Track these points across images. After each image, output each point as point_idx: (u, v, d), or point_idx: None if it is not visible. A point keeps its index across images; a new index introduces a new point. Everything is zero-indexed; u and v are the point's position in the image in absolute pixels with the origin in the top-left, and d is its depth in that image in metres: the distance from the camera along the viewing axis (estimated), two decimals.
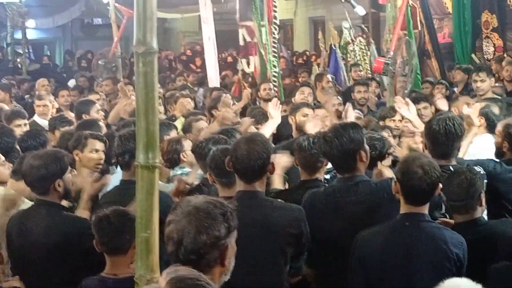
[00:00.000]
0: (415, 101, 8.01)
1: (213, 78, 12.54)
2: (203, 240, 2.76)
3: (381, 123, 7.64)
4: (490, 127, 6.07)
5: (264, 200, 4.43)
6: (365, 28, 15.06)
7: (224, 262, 2.85)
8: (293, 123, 7.44)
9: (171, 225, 2.82)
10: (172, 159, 5.97)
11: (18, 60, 18.41)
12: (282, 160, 5.38)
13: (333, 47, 14.89)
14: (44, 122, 8.88)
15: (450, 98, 9.74)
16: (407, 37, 9.18)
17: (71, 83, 15.31)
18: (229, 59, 18.92)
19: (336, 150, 4.63)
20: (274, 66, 12.06)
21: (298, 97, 9.28)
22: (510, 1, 14.42)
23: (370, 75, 12.93)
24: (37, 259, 4.56)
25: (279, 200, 4.62)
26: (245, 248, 3.87)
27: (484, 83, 8.29)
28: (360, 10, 13.54)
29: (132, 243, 3.97)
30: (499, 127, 5.51)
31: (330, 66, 14.70)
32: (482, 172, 5.01)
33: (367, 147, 4.78)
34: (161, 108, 9.04)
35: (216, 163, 4.72)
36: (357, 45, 14.56)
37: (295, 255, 4.40)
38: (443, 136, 5.13)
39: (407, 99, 6.90)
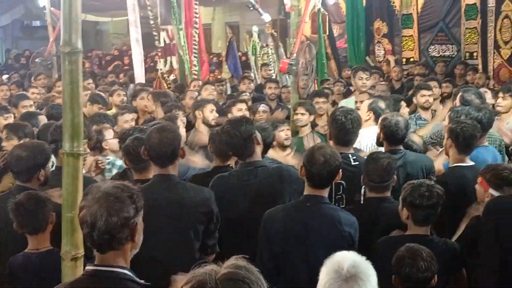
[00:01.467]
0: (316, 95, 8.15)
1: (140, 76, 12.49)
2: (115, 221, 2.75)
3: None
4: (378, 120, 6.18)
5: (177, 183, 4.43)
6: (274, 33, 15.12)
7: (134, 238, 2.85)
8: (200, 118, 7.39)
9: (84, 210, 2.80)
10: (95, 147, 5.85)
11: None
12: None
13: (232, 42, 14.98)
14: None
15: (346, 95, 9.88)
16: (308, 41, 9.24)
17: (4, 78, 15.37)
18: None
19: (236, 139, 4.66)
20: (195, 65, 12.08)
21: (203, 94, 9.23)
22: (397, 12, 14.66)
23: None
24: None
25: (191, 183, 4.64)
26: (161, 225, 4.08)
27: (368, 81, 8.47)
28: (266, 17, 13.58)
29: (48, 220, 4.06)
30: (379, 120, 5.62)
31: (229, 58, 14.82)
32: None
33: (258, 134, 4.85)
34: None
35: (128, 150, 4.81)
36: (270, 48, 14.61)
37: (206, 232, 4.36)
38: (349, 125, 5.19)
39: None
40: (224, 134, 4.85)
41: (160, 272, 3.75)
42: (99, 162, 5.60)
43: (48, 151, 4.75)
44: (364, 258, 2.93)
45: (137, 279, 2.83)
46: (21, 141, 5.62)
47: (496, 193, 4.56)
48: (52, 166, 4.83)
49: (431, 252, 3.79)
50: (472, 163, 5.24)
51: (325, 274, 2.84)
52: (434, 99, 8.21)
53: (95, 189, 2.88)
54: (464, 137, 5.16)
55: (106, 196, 2.78)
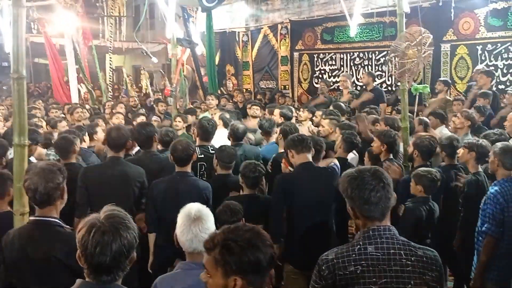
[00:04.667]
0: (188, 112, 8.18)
1: (75, 98, 12.08)
2: (50, 186, 2.73)
3: None
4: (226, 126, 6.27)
5: (123, 162, 4.47)
6: (162, 72, 14.99)
7: (63, 196, 2.83)
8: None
9: (28, 181, 2.77)
10: (47, 144, 5.62)
11: None
12: None
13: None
14: None
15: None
16: (182, 77, 9.27)
17: None
18: None
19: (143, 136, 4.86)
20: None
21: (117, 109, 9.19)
22: (240, 60, 14.90)
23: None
24: None
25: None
26: (115, 188, 4.08)
27: (213, 101, 8.72)
28: (155, 59, 13.49)
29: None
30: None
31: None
32: None
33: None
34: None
35: (58, 145, 4.83)
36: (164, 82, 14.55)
37: (140, 196, 4.40)
38: (210, 128, 5.34)
39: None
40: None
41: None
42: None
43: (6, 145, 4.61)
44: (205, 206, 2.91)
45: (64, 225, 2.79)
46: None
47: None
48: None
49: None
50: None
51: (180, 218, 2.81)
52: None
53: (33, 166, 2.87)
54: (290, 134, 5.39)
55: (43, 170, 2.76)
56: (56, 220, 2.78)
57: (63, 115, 8.59)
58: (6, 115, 8.87)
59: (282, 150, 5.33)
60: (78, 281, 2.11)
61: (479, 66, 9.02)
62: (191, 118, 7.69)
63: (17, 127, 3.30)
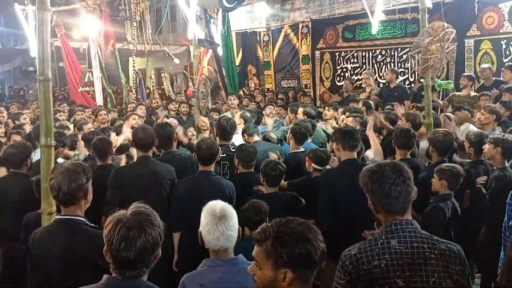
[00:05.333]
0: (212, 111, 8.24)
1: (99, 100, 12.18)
2: (73, 187, 2.77)
3: None
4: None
5: (152, 161, 4.52)
6: (186, 73, 15.09)
7: (86, 197, 2.87)
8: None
9: (53, 180, 2.81)
10: (72, 146, 5.72)
11: None
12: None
13: (141, 80, 14.88)
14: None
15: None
16: (205, 78, 9.30)
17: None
18: None
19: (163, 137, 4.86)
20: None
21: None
22: (261, 60, 14.86)
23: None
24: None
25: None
26: (146, 187, 4.08)
27: (235, 101, 8.80)
28: (177, 61, 13.57)
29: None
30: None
31: (141, 90, 14.69)
32: None
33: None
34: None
35: (96, 147, 4.83)
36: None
37: (170, 192, 4.41)
38: (229, 128, 5.32)
39: None
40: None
41: None
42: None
43: (30, 147, 4.66)
44: (228, 204, 2.91)
45: (88, 223, 2.84)
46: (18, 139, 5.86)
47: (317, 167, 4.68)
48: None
49: None
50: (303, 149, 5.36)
51: (204, 217, 2.79)
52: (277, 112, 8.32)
53: (59, 166, 2.93)
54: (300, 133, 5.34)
55: (67, 170, 2.80)
56: (81, 219, 2.82)
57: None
58: (32, 119, 9.08)
59: (294, 151, 5.36)
60: (105, 276, 2.15)
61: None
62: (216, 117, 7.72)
63: (44, 128, 3.37)
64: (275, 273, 1.89)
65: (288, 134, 5.56)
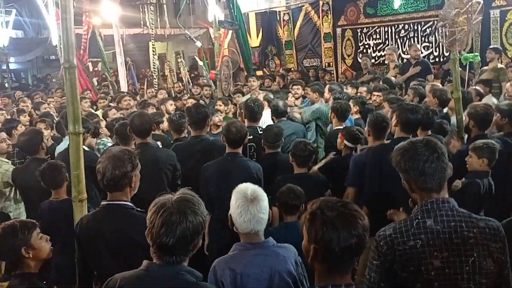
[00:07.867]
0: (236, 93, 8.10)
1: (124, 86, 12.27)
2: (116, 174, 2.75)
3: None
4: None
5: (152, 147, 4.52)
6: (196, 57, 15.05)
7: (131, 185, 2.84)
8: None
9: (99, 164, 2.80)
10: (95, 132, 5.70)
11: (5, 81, 17.88)
12: None
13: (131, 65, 14.45)
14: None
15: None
16: (227, 58, 9.23)
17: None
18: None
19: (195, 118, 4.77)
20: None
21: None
22: (281, 37, 14.65)
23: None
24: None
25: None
26: (146, 173, 3.94)
27: (255, 83, 8.58)
28: (198, 44, 13.50)
29: (63, 180, 4.06)
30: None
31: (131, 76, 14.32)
32: None
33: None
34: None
35: (117, 132, 4.83)
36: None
37: (174, 178, 4.45)
38: (257, 109, 5.22)
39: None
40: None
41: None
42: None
43: (41, 132, 4.91)
44: (258, 186, 2.84)
45: (136, 208, 2.83)
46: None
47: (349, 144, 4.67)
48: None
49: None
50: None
51: (235, 199, 2.73)
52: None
53: (108, 151, 2.91)
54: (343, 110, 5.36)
55: (114, 157, 2.78)
56: (127, 203, 2.81)
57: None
58: (58, 108, 9.15)
59: (337, 127, 5.32)
60: (145, 262, 2.16)
61: None
62: (238, 99, 7.64)
63: (71, 115, 3.34)
64: (309, 246, 1.92)
65: (330, 113, 5.58)
